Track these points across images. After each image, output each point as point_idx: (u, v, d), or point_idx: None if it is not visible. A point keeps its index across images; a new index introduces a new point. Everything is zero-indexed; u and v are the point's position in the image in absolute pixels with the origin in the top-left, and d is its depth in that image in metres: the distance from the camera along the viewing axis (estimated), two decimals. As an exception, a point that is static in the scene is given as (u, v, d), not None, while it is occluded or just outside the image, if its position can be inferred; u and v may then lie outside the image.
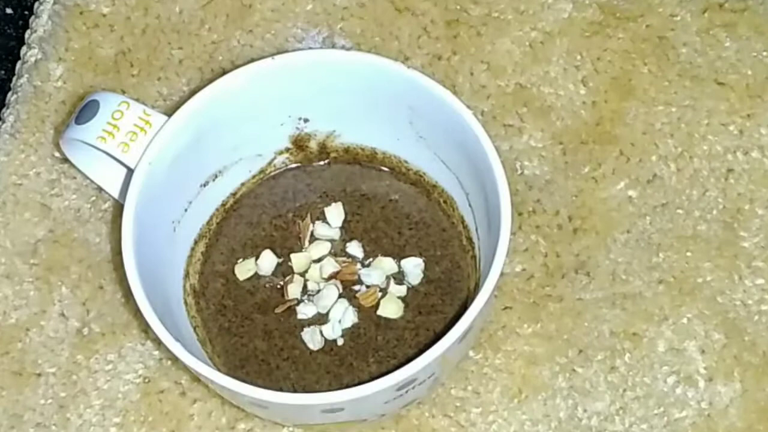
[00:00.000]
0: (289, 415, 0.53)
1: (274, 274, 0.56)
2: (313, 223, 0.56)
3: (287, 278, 0.55)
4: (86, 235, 0.58)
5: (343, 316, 0.54)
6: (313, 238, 0.56)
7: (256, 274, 0.56)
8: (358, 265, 0.55)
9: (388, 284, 0.55)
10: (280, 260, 0.56)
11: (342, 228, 0.56)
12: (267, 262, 0.56)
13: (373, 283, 0.55)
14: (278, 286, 0.55)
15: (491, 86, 0.60)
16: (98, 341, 0.56)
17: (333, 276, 0.55)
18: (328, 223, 0.56)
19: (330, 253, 0.56)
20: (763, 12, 0.61)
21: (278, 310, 0.55)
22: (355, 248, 0.55)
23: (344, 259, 0.55)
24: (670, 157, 0.58)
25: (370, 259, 0.55)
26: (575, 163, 0.58)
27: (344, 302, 0.54)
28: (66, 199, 0.59)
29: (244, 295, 0.55)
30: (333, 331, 0.54)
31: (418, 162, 0.56)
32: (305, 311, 0.54)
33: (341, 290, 0.55)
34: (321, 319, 0.54)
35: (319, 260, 0.55)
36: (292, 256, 0.55)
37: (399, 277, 0.55)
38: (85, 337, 0.56)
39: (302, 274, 0.55)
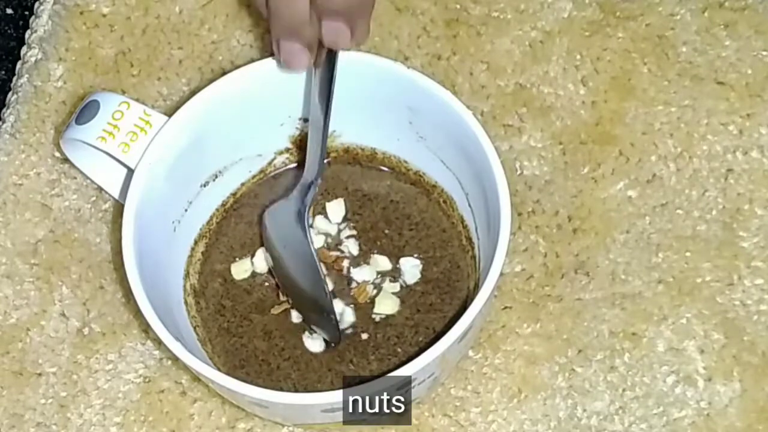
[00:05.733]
0: (289, 415, 0.53)
1: (269, 271, 0.56)
2: (314, 217, 0.56)
3: None
4: (87, 235, 0.58)
5: (340, 317, 0.54)
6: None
7: (252, 272, 0.56)
8: (346, 261, 0.55)
9: (382, 281, 0.55)
10: None
11: (341, 224, 0.56)
12: (262, 260, 0.56)
13: (365, 279, 0.55)
14: (275, 284, 0.55)
15: (491, 86, 0.60)
16: (99, 341, 0.56)
17: (325, 266, 0.55)
18: (328, 218, 0.56)
19: (323, 247, 0.56)
20: (762, 11, 0.61)
21: (274, 312, 0.55)
22: (351, 246, 0.56)
23: (337, 253, 0.55)
24: (670, 157, 0.58)
25: (367, 257, 0.55)
26: (575, 164, 0.58)
27: (339, 303, 0.54)
28: (66, 199, 0.59)
29: (242, 295, 0.55)
30: None
31: (418, 162, 0.56)
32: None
33: (333, 287, 0.55)
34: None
35: None
36: None
37: (394, 275, 0.55)
38: (85, 336, 0.56)
39: None
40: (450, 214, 0.56)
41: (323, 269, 0.53)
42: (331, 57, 0.51)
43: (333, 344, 0.54)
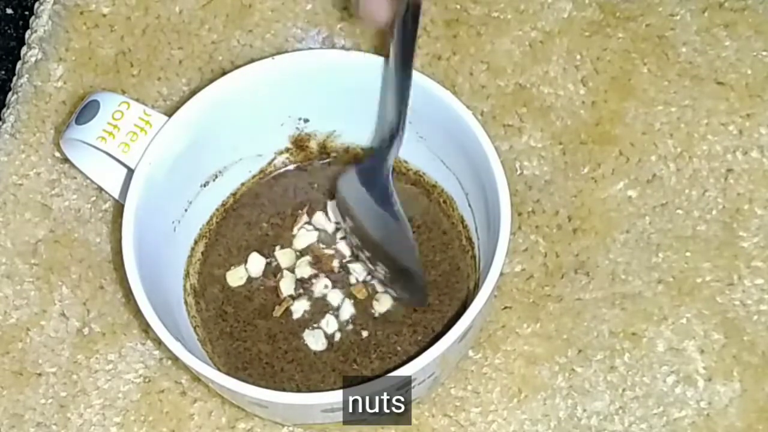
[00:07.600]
0: (289, 415, 0.53)
1: (264, 274, 0.56)
2: (315, 212, 0.56)
3: (278, 276, 0.55)
4: (87, 235, 0.58)
5: (340, 309, 0.54)
6: (302, 228, 0.56)
7: (248, 278, 0.56)
8: (336, 261, 0.55)
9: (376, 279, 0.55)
10: (268, 260, 0.56)
11: (339, 225, 0.56)
12: (255, 264, 0.56)
13: (363, 277, 0.55)
14: (272, 285, 0.55)
15: (491, 86, 0.60)
16: (99, 341, 0.56)
17: (316, 262, 0.55)
18: (328, 216, 0.56)
19: (317, 242, 0.56)
20: (762, 11, 0.61)
21: (276, 314, 0.55)
22: (343, 247, 0.56)
23: (330, 251, 0.56)
24: (670, 157, 0.58)
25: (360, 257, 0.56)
26: (575, 163, 0.58)
27: (338, 294, 0.55)
28: (66, 199, 0.59)
29: (243, 302, 0.55)
30: (329, 325, 0.54)
31: (418, 162, 0.56)
32: (300, 307, 0.55)
33: (332, 282, 0.55)
34: (318, 311, 0.55)
35: (304, 251, 0.56)
36: (277, 253, 0.56)
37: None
38: (85, 336, 0.56)
39: (291, 270, 0.55)
40: (450, 214, 0.56)
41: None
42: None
43: (419, 304, 0.54)
